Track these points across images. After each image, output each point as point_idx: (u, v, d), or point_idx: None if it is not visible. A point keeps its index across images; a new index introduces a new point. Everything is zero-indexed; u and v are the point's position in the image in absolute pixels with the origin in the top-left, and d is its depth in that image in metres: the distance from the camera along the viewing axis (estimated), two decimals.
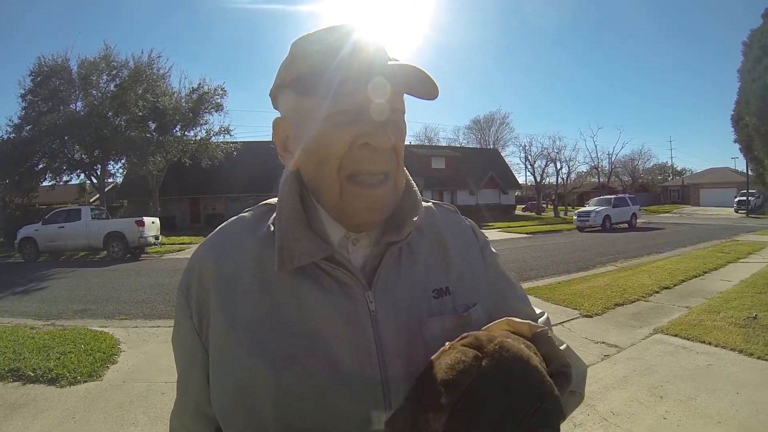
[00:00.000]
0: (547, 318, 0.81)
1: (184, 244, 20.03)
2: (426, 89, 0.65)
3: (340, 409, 0.62)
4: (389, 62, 0.64)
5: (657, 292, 7.10)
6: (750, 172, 35.30)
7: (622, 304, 6.42)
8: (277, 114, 0.74)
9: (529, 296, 0.86)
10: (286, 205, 0.71)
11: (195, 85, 26.14)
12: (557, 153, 44.61)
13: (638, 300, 6.65)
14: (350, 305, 0.66)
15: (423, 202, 0.80)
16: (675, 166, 68.83)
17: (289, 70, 0.68)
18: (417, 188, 0.78)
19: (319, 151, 0.65)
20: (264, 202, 0.81)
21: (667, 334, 5.04)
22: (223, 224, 0.80)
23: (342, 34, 0.64)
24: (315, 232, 0.70)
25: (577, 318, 5.90)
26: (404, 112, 0.68)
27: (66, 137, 22.87)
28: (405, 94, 0.67)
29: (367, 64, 0.63)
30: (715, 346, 4.55)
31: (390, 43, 0.67)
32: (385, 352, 0.65)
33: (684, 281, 7.87)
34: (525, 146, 49.19)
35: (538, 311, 0.83)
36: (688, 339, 4.80)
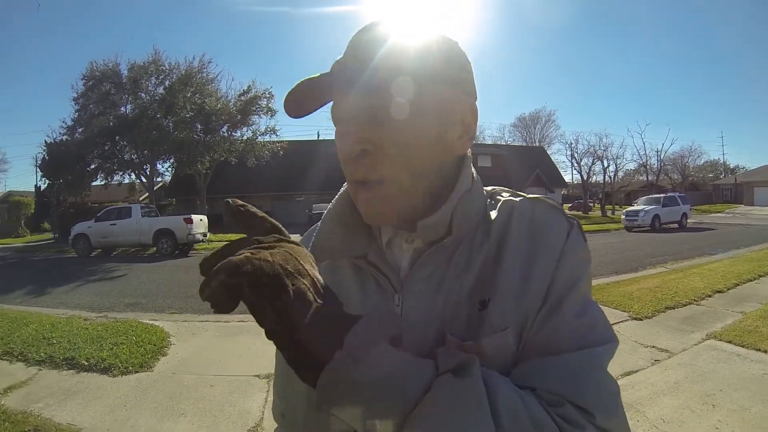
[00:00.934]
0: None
1: (231, 241, 20.52)
2: (428, 75, 0.61)
3: None
4: (367, 76, 0.59)
5: (709, 296, 6.80)
6: None
7: (673, 308, 6.18)
8: None
9: None
10: (332, 205, 0.73)
11: (244, 88, 26.82)
12: (604, 150, 43.34)
13: (690, 303, 6.38)
14: (380, 305, 0.67)
15: (514, 198, 0.72)
16: (727, 163, 65.73)
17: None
18: (465, 187, 0.68)
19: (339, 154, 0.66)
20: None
21: (720, 340, 4.82)
22: None
23: (354, 41, 0.63)
24: (365, 229, 0.70)
25: (626, 320, 5.72)
26: (395, 112, 0.59)
27: (117, 138, 23.89)
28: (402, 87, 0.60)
29: (343, 79, 0.61)
30: None
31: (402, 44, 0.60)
32: None
33: (738, 285, 7.49)
34: (571, 144, 47.93)
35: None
36: (742, 346, 4.58)
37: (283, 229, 0.57)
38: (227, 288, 0.46)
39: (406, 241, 0.69)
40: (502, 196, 0.72)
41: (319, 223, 0.75)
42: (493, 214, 0.69)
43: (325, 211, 0.73)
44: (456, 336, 0.61)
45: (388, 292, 0.67)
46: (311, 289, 0.49)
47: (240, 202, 0.60)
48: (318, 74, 0.64)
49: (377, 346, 0.49)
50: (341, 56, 0.63)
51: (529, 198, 0.71)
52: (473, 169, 0.71)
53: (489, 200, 0.72)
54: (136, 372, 4.39)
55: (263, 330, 0.48)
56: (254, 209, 0.60)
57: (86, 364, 4.52)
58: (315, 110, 0.65)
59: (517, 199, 0.71)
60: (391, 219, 0.65)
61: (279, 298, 0.47)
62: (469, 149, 0.70)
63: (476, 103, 0.69)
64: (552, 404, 0.54)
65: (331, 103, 0.66)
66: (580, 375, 0.56)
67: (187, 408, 3.63)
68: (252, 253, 0.49)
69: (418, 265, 0.66)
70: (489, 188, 0.75)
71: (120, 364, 4.48)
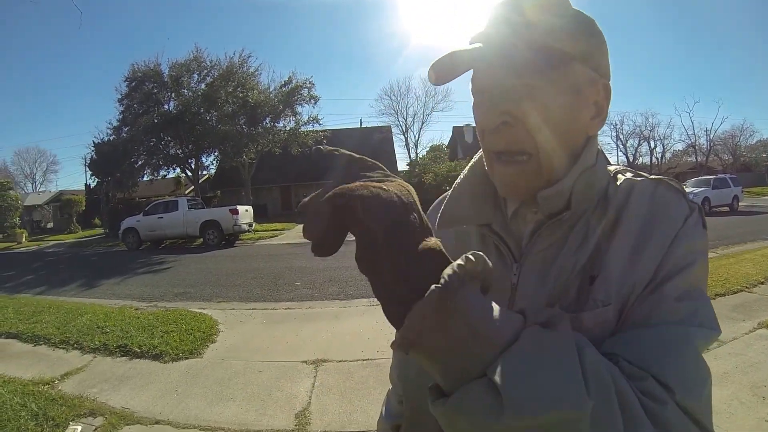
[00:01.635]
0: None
1: (276, 230, 20.90)
2: (560, 45, 0.62)
3: None
4: (519, 48, 0.61)
5: (762, 283, 6.49)
6: None
7: (724, 295, 5.95)
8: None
9: None
10: (465, 173, 0.78)
11: (285, 79, 27.33)
12: (650, 131, 41.97)
13: (741, 291, 6.12)
14: (499, 273, 0.69)
15: (635, 177, 0.71)
16: None
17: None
18: (590, 163, 0.69)
19: (476, 125, 0.69)
20: None
21: None
22: None
23: (495, 13, 0.64)
24: (495, 199, 0.74)
25: None
26: (534, 86, 0.62)
27: (161, 134, 24.66)
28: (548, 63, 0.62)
29: (496, 50, 0.62)
30: None
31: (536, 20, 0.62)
32: None
33: None
34: (616, 125, 46.41)
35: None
36: None
37: (384, 168, 0.55)
38: (341, 211, 0.45)
39: (531, 212, 0.71)
40: (624, 175, 0.72)
41: (449, 191, 0.80)
42: (614, 191, 0.69)
43: (457, 180, 0.78)
44: (561, 308, 0.61)
45: (508, 261, 0.71)
46: (421, 223, 0.48)
47: (330, 147, 0.58)
48: (462, 48, 0.64)
49: (469, 288, 0.45)
50: (483, 28, 0.65)
51: (652, 178, 0.71)
52: (599, 146, 0.72)
53: (612, 178, 0.72)
54: (186, 358, 4.57)
55: (360, 257, 0.47)
56: (346, 151, 0.56)
57: (138, 351, 4.74)
58: (453, 78, 0.64)
59: (639, 179, 0.71)
60: (524, 191, 0.68)
61: (395, 222, 0.45)
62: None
63: (610, 84, 0.70)
64: (633, 377, 0.52)
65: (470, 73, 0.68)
66: (668, 350, 0.55)
67: (236, 393, 3.76)
68: (363, 184, 0.47)
69: (536, 238, 0.68)
70: (613, 167, 0.75)
71: (171, 351, 4.67)
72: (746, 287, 6.27)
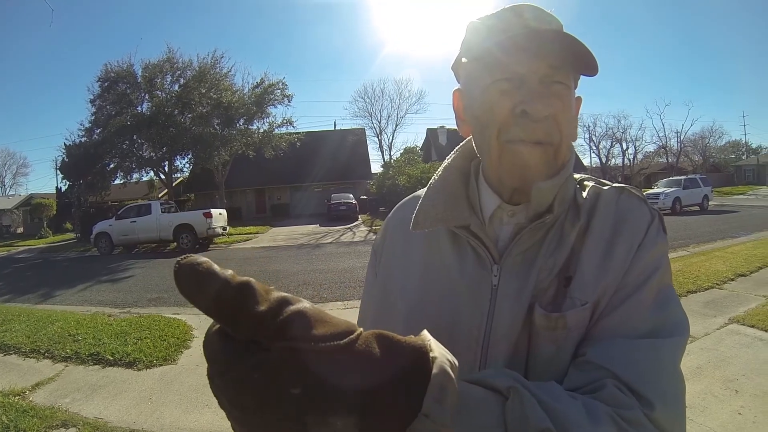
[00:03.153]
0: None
1: (250, 234, 20.80)
2: (588, 65, 0.66)
3: None
4: (554, 35, 0.65)
5: (732, 280, 6.68)
6: None
7: (695, 291, 6.10)
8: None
9: None
10: (439, 177, 0.78)
11: (258, 80, 27.08)
12: (623, 133, 42.92)
13: (712, 287, 6.29)
14: (477, 274, 0.71)
15: (601, 186, 0.76)
16: (749, 143, 63.97)
17: (464, 44, 0.74)
18: (571, 171, 0.74)
19: (483, 116, 0.69)
20: None
21: (743, 324, 4.75)
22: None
23: (513, 11, 0.68)
24: (469, 201, 0.75)
25: None
26: (570, 87, 0.68)
27: (134, 137, 24.20)
28: (572, 70, 0.68)
29: (532, 35, 0.64)
30: None
31: (556, 18, 0.71)
32: (493, 329, 0.68)
33: (761, 268, 7.33)
34: (589, 127, 47.22)
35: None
36: (765, 330, 4.50)
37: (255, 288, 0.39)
38: None
39: (508, 215, 0.73)
40: (589, 183, 0.77)
41: (421, 191, 0.81)
42: (582, 197, 0.73)
43: (431, 181, 0.78)
44: (543, 308, 0.66)
45: (487, 263, 0.71)
46: None
47: (196, 259, 0.38)
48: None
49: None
50: (515, 17, 0.68)
51: (615, 186, 0.76)
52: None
53: (577, 186, 0.75)
54: (161, 365, 4.49)
55: None
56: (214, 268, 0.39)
57: (111, 359, 4.64)
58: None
59: (605, 187, 0.76)
60: (537, 177, 0.68)
61: None
62: None
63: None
64: (622, 406, 0.55)
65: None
66: (650, 366, 0.59)
67: (212, 399, 3.65)
68: None
69: (519, 239, 0.70)
70: (577, 176, 0.78)
71: (144, 358, 4.58)
72: (717, 284, 6.44)
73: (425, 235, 0.77)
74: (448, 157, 0.81)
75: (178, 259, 0.38)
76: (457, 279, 0.72)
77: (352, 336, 0.39)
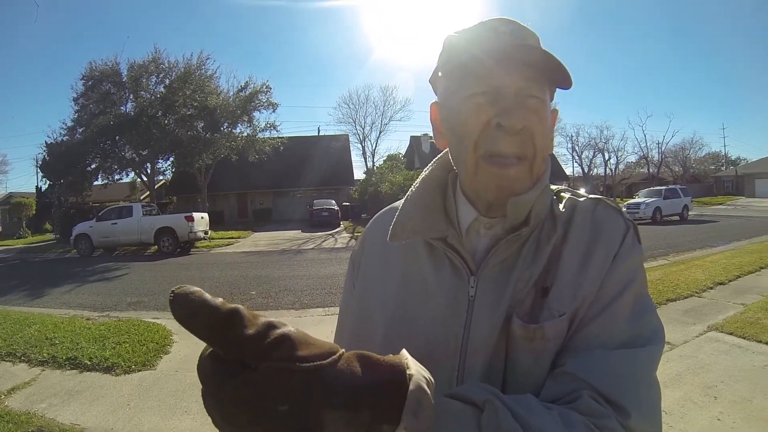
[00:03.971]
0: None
1: (232, 238, 20.64)
2: (561, 79, 0.68)
3: None
4: (529, 50, 0.66)
5: (711, 288, 6.80)
6: None
7: (675, 300, 6.19)
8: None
9: None
10: (416, 188, 0.79)
11: (242, 84, 26.96)
12: (605, 143, 43.58)
13: (691, 296, 6.39)
14: (454, 286, 0.72)
15: (577, 197, 0.77)
16: (728, 155, 65.25)
17: (441, 57, 0.74)
18: (548, 182, 0.74)
19: (459, 129, 0.69)
20: None
21: (721, 331, 4.82)
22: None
23: (489, 25, 0.70)
24: (446, 213, 0.75)
25: None
26: (545, 100, 0.69)
27: (117, 137, 23.88)
28: (547, 84, 0.69)
29: (508, 49, 0.65)
30: None
31: (533, 32, 0.73)
32: (470, 340, 0.69)
33: (739, 277, 7.49)
34: (572, 136, 47.82)
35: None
36: (743, 338, 4.58)
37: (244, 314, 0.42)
38: None
39: (484, 227, 0.74)
40: (566, 194, 0.78)
41: (398, 202, 0.81)
42: (559, 209, 0.74)
43: (409, 192, 0.79)
44: (521, 319, 0.66)
45: (464, 274, 0.71)
46: None
47: (189, 288, 0.41)
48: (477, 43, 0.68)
49: None
50: (491, 31, 0.69)
51: (591, 198, 0.77)
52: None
53: (554, 197, 0.76)
54: (139, 371, 4.41)
55: None
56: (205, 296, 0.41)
57: (89, 363, 4.54)
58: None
59: (581, 198, 0.77)
60: (512, 194, 0.68)
61: None
62: None
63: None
64: (595, 414, 0.56)
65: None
66: (628, 377, 0.60)
67: (191, 405, 3.64)
68: None
69: (496, 251, 0.70)
70: (554, 187, 0.80)
71: (123, 363, 4.49)
72: (696, 292, 6.54)
73: (403, 246, 0.77)
74: (426, 168, 0.81)
75: (173, 289, 0.41)
76: (435, 290, 0.73)
77: (334, 356, 0.43)
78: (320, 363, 0.41)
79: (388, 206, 0.90)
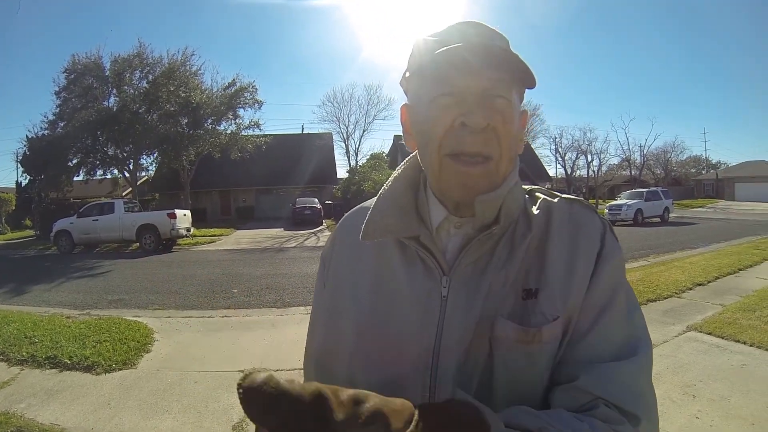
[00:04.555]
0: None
1: (214, 236, 20.46)
2: (527, 78, 0.68)
3: (392, 379, 0.68)
4: (496, 51, 0.66)
5: (690, 289, 6.92)
6: None
7: (655, 300, 6.29)
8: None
9: None
10: (388, 187, 0.78)
11: (229, 81, 26.76)
12: (588, 145, 44.06)
13: (671, 296, 6.49)
14: (426, 285, 0.72)
15: (550, 197, 0.79)
16: (709, 159, 66.41)
17: (410, 60, 0.74)
18: (518, 180, 0.75)
19: (426, 130, 0.69)
20: None
21: (700, 331, 4.91)
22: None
23: (457, 28, 0.70)
24: (418, 212, 0.76)
25: None
26: (511, 101, 0.68)
27: (99, 133, 23.50)
28: (515, 85, 0.70)
29: (474, 50, 0.65)
30: (750, 345, 4.42)
31: (501, 35, 0.73)
32: (443, 341, 0.69)
33: (718, 278, 7.64)
34: (555, 138, 48.24)
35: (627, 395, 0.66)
36: (722, 337, 4.67)
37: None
38: None
39: (454, 226, 0.74)
40: (540, 194, 0.79)
41: (369, 201, 0.82)
42: (534, 209, 0.75)
43: (381, 191, 0.79)
44: (514, 322, 0.68)
45: (437, 274, 0.72)
46: None
47: (258, 378, 0.40)
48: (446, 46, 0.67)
49: None
50: (458, 33, 0.69)
51: (566, 198, 0.79)
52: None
53: (527, 197, 0.78)
54: (120, 369, 4.35)
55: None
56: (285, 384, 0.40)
57: (69, 362, 4.47)
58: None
59: (555, 199, 0.78)
60: (478, 193, 0.68)
61: None
62: None
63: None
64: (611, 420, 0.62)
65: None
66: (635, 386, 0.66)
67: (172, 404, 3.61)
68: None
69: (467, 250, 0.71)
70: (527, 187, 0.81)
71: (103, 362, 4.43)
72: (676, 293, 6.65)
73: (375, 245, 0.77)
74: (398, 168, 0.81)
75: (239, 382, 0.39)
76: (407, 290, 0.73)
77: (415, 419, 0.43)
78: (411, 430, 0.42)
79: (358, 205, 0.90)
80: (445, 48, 0.65)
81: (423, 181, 0.78)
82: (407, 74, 0.76)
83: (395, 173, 0.80)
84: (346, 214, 0.91)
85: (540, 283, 0.70)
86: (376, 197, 0.79)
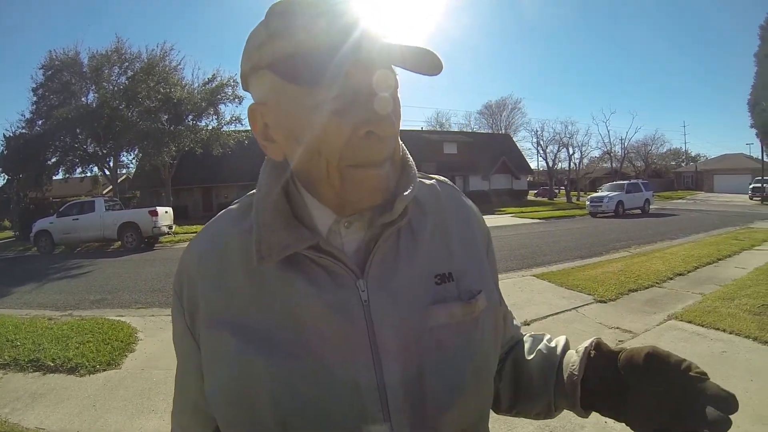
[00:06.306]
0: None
1: (197, 233, 20.19)
2: (429, 64, 0.58)
3: (333, 408, 0.60)
4: (383, 40, 0.57)
5: (671, 279, 7.05)
6: (766, 158, 34.76)
7: (636, 290, 6.39)
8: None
9: (542, 281, 0.98)
10: (264, 196, 0.66)
11: (209, 77, 26.47)
12: (569, 138, 44.51)
13: (652, 286, 6.61)
14: (339, 296, 0.63)
15: (425, 180, 0.78)
16: (689, 151, 67.81)
17: (267, 50, 0.59)
18: (413, 163, 0.71)
19: (314, 142, 0.59)
20: (250, 193, 0.75)
21: (681, 320, 5.00)
22: (212, 220, 0.77)
23: (325, 8, 0.57)
24: (301, 221, 0.65)
25: (591, 303, 5.89)
26: (397, 87, 0.61)
27: (78, 130, 23.11)
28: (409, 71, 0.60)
29: (359, 43, 0.55)
30: (729, 333, 4.51)
31: (387, 20, 0.59)
32: (381, 347, 0.61)
33: (698, 268, 7.79)
34: (537, 131, 48.97)
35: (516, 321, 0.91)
36: (702, 326, 4.76)
37: None
38: None
39: (344, 227, 0.67)
40: (421, 179, 0.77)
41: (213, 222, 0.76)
42: (420, 194, 0.73)
43: (257, 206, 0.66)
44: (450, 302, 0.66)
45: (349, 280, 0.63)
46: None
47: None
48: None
49: None
50: (331, 17, 0.56)
51: (438, 179, 0.81)
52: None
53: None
54: (104, 370, 4.31)
55: None
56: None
57: (52, 365, 4.41)
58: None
59: (430, 181, 0.79)
60: (389, 194, 0.64)
61: None
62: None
63: None
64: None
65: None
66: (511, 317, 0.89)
67: (158, 404, 3.58)
68: None
69: (377, 248, 0.65)
70: None
71: (87, 363, 4.38)
72: (657, 283, 6.77)
73: (263, 268, 0.64)
74: (259, 183, 0.70)
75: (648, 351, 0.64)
76: (321, 306, 0.62)
77: None
78: None
79: (201, 230, 0.77)
80: (321, 36, 0.56)
81: (291, 181, 0.68)
82: (264, 70, 0.61)
83: (264, 179, 0.69)
84: (191, 243, 0.75)
85: (452, 266, 0.69)
86: (254, 214, 0.66)
